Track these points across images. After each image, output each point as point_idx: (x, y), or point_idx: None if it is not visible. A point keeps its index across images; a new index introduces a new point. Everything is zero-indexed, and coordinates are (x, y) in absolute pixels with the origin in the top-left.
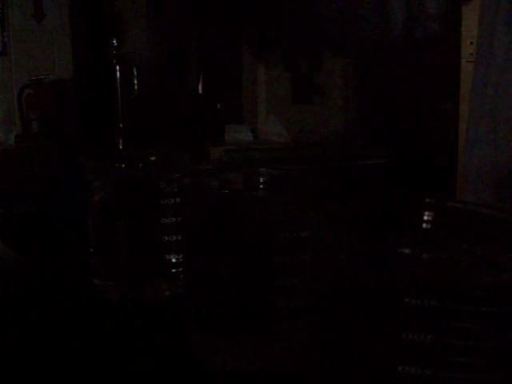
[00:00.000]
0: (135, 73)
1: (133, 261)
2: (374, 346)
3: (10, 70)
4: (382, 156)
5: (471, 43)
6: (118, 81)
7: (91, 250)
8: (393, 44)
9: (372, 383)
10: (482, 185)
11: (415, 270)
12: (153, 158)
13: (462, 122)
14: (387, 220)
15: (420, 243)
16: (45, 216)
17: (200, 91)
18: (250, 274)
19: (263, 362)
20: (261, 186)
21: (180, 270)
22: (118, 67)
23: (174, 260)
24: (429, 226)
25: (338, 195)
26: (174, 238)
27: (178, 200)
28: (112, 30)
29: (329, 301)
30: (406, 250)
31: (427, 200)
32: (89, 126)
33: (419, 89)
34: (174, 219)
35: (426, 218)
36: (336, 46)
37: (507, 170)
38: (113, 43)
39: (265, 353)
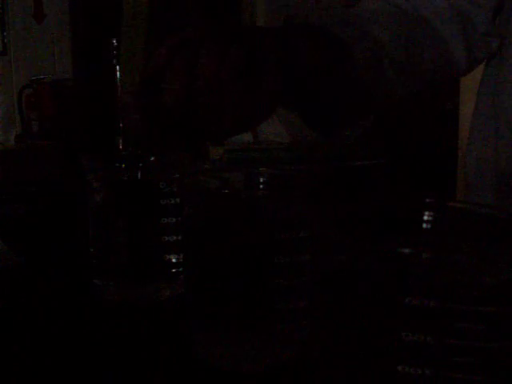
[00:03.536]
0: None
1: (133, 261)
2: (374, 346)
3: (10, 70)
4: (382, 156)
5: None
6: (118, 81)
7: (91, 249)
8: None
9: (372, 383)
10: (482, 184)
11: (415, 270)
12: (153, 158)
13: (462, 121)
14: (387, 220)
15: (420, 243)
16: (45, 216)
17: None
18: (249, 274)
19: (263, 361)
20: (261, 186)
21: (180, 270)
22: (117, 67)
23: (174, 260)
24: (429, 226)
25: (338, 195)
26: (174, 238)
27: (177, 200)
28: (112, 30)
29: (328, 301)
30: (406, 250)
31: (427, 200)
32: (89, 125)
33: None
34: (174, 219)
35: (426, 217)
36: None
37: (508, 169)
38: (113, 43)
39: (265, 353)
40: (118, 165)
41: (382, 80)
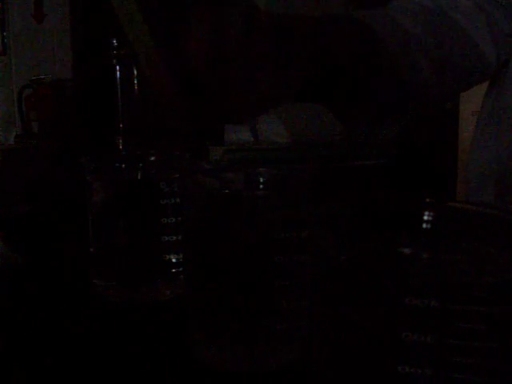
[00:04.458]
0: (135, 73)
1: (133, 261)
2: (374, 346)
3: (10, 70)
4: (382, 156)
5: None
6: (118, 81)
7: (91, 249)
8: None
9: (372, 383)
10: (483, 186)
11: (415, 270)
12: (153, 158)
13: (462, 121)
14: (387, 220)
15: (420, 243)
16: (45, 216)
17: None
18: (249, 274)
19: (263, 362)
20: (261, 186)
21: (180, 270)
22: (117, 67)
23: (174, 260)
24: (429, 226)
25: (337, 195)
26: (174, 238)
27: (177, 200)
28: (112, 30)
29: (329, 301)
30: (406, 250)
31: (427, 200)
32: (89, 126)
33: None
34: (173, 219)
35: (426, 217)
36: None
37: (509, 170)
38: (113, 43)
39: (265, 353)
40: (118, 165)
41: (417, 73)
